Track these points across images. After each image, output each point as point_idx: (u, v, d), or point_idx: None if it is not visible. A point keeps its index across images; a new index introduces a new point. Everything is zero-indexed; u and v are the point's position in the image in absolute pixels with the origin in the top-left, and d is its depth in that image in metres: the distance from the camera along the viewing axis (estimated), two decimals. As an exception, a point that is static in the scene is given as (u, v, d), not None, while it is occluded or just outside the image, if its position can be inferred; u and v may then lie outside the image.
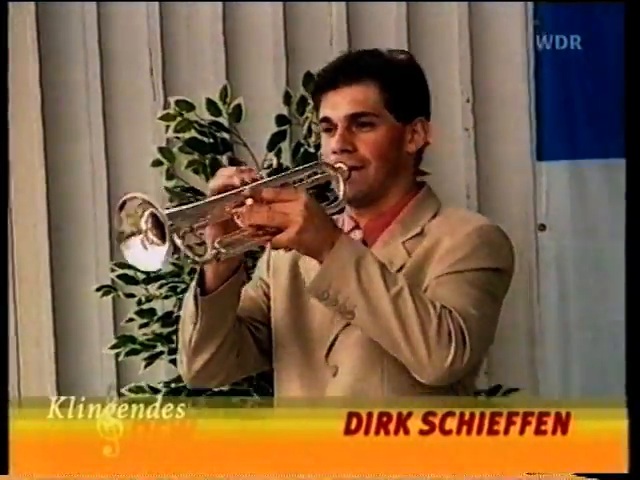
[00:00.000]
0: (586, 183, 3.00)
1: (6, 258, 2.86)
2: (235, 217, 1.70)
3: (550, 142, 3.01)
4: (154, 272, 2.71)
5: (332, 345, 1.84)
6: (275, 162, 2.81)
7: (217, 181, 1.79)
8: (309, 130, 2.77)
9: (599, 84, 3.12)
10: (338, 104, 1.86)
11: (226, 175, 1.81)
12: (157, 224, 1.61)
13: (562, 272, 2.97)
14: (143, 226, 1.64)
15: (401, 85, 1.86)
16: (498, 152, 3.07)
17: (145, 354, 2.79)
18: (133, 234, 1.65)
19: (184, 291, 2.50)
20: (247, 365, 1.97)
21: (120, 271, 2.81)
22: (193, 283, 1.82)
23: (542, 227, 2.94)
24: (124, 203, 1.64)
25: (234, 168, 1.88)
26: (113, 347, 2.87)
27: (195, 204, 1.72)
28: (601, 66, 3.13)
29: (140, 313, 2.85)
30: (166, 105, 2.95)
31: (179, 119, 2.90)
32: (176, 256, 1.69)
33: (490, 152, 3.07)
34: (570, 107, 3.06)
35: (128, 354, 2.82)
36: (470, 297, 1.76)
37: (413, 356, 1.67)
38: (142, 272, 2.72)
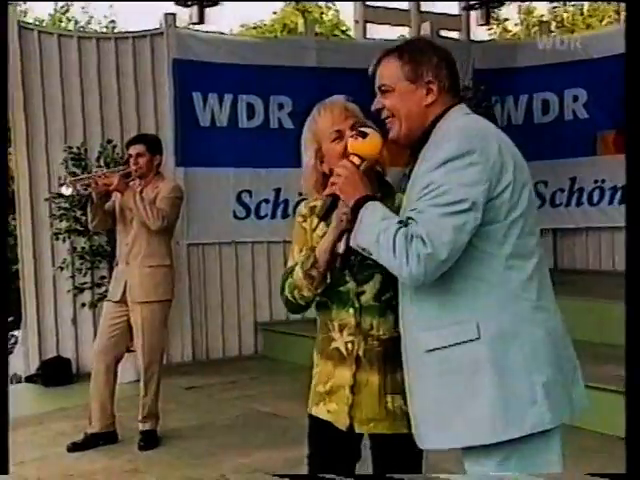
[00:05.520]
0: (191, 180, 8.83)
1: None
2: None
3: (183, 157, 8.82)
4: (68, 196, 7.95)
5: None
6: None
7: (90, 174, 7.31)
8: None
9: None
10: (134, 149, 6.94)
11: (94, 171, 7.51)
12: (70, 182, 6.91)
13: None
14: (67, 182, 7.00)
15: (153, 146, 7.11)
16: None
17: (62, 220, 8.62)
18: (64, 184, 7.01)
19: (77, 205, 8.13)
20: (108, 225, 7.18)
21: (56, 197, 8.39)
22: (90, 202, 7.05)
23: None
24: (60, 177, 7.53)
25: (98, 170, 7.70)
26: (52, 217, 8.53)
27: (81, 177, 7.30)
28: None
29: (65, 209, 8.47)
30: (67, 149, 8.56)
31: (70, 156, 8.53)
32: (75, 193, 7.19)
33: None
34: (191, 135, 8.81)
35: (59, 220, 8.53)
36: (168, 204, 6.97)
37: (146, 217, 6.78)
38: (66, 197, 8.09)
